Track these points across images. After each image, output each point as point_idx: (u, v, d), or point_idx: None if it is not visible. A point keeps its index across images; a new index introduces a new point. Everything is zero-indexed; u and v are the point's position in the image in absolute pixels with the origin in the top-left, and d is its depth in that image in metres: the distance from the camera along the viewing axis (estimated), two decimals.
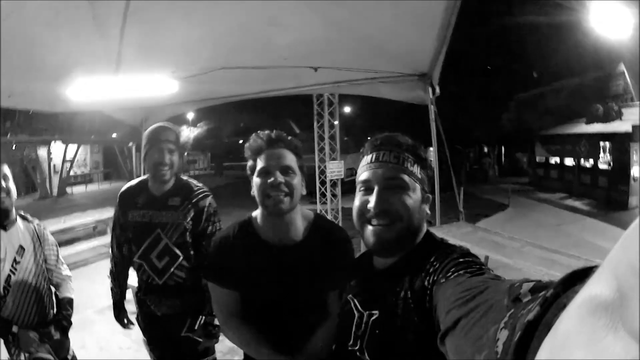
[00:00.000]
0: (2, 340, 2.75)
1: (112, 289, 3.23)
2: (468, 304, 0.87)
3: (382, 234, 1.40)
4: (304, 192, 2.05)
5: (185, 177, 3.10)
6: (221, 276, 2.08)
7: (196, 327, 2.99)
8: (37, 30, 3.61)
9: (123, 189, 3.13)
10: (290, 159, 1.98)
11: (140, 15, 3.50)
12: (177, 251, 2.94)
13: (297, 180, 1.99)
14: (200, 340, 2.99)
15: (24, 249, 2.87)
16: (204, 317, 2.96)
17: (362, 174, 1.46)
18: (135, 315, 3.27)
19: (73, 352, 3.17)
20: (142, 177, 3.11)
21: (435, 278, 1.21)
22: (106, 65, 3.99)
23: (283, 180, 1.92)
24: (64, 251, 7.92)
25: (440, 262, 1.25)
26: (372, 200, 1.40)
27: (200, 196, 2.98)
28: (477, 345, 0.70)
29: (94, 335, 5.42)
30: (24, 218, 3.02)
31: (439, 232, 6.86)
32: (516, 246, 6.68)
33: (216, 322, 2.81)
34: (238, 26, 3.90)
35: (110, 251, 3.25)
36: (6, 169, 2.83)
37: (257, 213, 2.11)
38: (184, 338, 3.00)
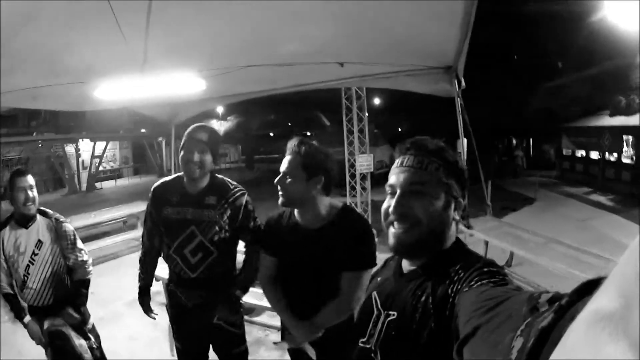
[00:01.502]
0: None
1: (139, 275, 3.35)
2: (488, 313, 0.88)
3: (401, 237, 1.42)
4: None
5: (221, 176, 3.17)
6: (267, 245, 2.79)
7: (226, 315, 3.11)
8: (61, 33, 3.67)
9: (157, 184, 3.24)
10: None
11: (164, 14, 3.52)
12: (212, 248, 3.01)
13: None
14: (229, 327, 3.16)
15: (42, 242, 3.44)
16: (232, 304, 3.13)
17: (390, 178, 1.49)
18: (165, 306, 3.40)
19: (93, 323, 3.65)
20: (177, 174, 3.20)
21: (459, 287, 1.23)
22: (132, 65, 4.03)
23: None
24: (94, 245, 8.18)
25: (465, 271, 1.27)
26: (392, 204, 1.43)
27: (236, 195, 3.06)
28: (494, 353, 0.73)
29: (122, 327, 5.53)
30: (43, 213, 3.54)
31: (462, 226, 6.87)
32: (540, 242, 6.64)
33: (242, 300, 3.24)
34: (263, 24, 3.92)
35: (141, 241, 3.40)
36: (31, 179, 3.25)
37: None
38: (215, 326, 3.10)
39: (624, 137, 16.97)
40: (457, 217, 1.47)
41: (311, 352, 2.56)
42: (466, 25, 3.85)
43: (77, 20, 3.48)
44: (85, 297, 3.54)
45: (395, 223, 1.44)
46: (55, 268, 3.47)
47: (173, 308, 3.30)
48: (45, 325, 3.30)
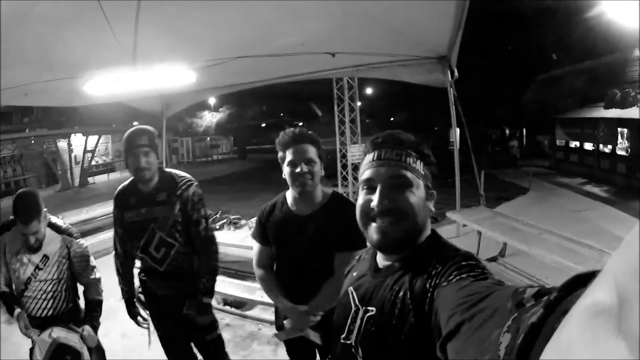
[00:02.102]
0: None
1: (122, 289, 3.39)
2: (471, 309, 0.87)
3: (388, 232, 1.39)
4: (322, 173, 2.65)
5: (168, 170, 3.28)
6: (261, 236, 2.84)
7: (194, 306, 3.17)
8: (51, 31, 3.65)
9: (117, 191, 3.32)
10: (312, 152, 2.59)
11: (155, 8, 3.52)
12: (171, 241, 3.16)
13: (318, 168, 2.62)
14: (196, 318, 3.21)
15: (47, 258, 3.22)
16: (200, 297, 3.17)
17: (365, 173, 1.46)
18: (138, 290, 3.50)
19: (98, 339, 3.40)
20: (132, 178, 3.25)
21: (437, 281, 1.21)
22: (123, 58, 4.00)
23: (307, 170, 2.55)
24: (87, 240, 8.10)
25: (443, 265, 1.25)
26: (376, 198, 1.40)
27: (183, 187, 3.17)
28: (480, 349, 0.71)
29: (117, 322, 5.48)
30: (54, 227, 3.28)
31: (458, 216, 6.89)
32: (534, 233, 6.63)
33: (211, 302, 3.28)
34: (253, 14, 3.89)
35: (114, 253, 3.42)
36: (36, 225, 3.11)
37: (289, 191, 2.76)
38: (185, 316, 3.19)
39: (619, 129, 17.03)
40: (432, 209, 1.46)
41: (315, 337, 2.60)
42: (460, 15, 3.85)
43: (67, 15, 3.47)
44: (98, 318, 3.41)
45: (378, 218, 1.40)
46: (58, 284, 3.27)
47: (146, 296, 3.42)
48: (55, 334, 3.14)
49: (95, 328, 3.32)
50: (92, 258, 3.43)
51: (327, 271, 2.61)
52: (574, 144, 20.90)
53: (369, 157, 1.47)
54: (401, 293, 1.33)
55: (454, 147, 6.64)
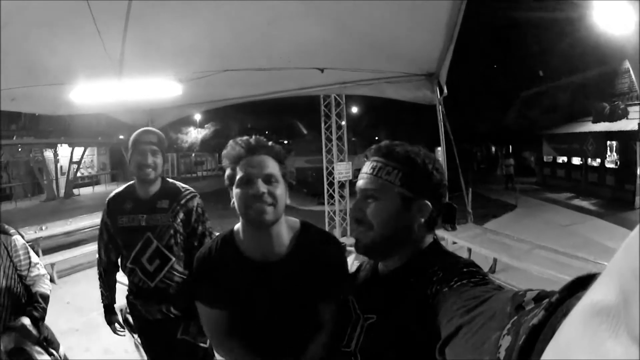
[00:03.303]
0: None
1: (102, 294, 3.25)
2: (470, 312, 0.87)
3: (359, 238, 1.47)
4: (288, 202, 1.86)
5: (171, 180, 3.16)
6: (206, 295, 1.93)
7: (190, 329, 3.02)
8: (39, 35, 3.62)
9: (111, 195, 3.14)
10: (273, 167, 1.80)
11: (142, 18, 3.49)
12: (168, 254, 2.97)
13: (281, 190, 1.80)
14: (195, 341, 3.05)
15: None
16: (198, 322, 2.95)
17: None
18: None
19: (64, 354, 3.17)
20: (129, 183, 3.15)
21: (438, 287, 1.21)
22: (109, 68, 3.99)
23: (266, 190, 1.74)
24: (70, 253, 8.03)
25: (444, 272, 1.25)
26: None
27: (188, 197, 3.04)
28: (479, 352, 0.71)
29: (99, 338, 5.40)
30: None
31: (446, 233, 6.87)
32: (525, 248, 6.67)
33: None
34: (241, 28, 3.88)
35: (97, 258, 3.24)
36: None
37: (238, 226, 1.93)
38: (180, 341, 3.03)
39: (608, 142, 17.27)
40: (422, 221, 1.42)
41: None
42: (451, 33, 3.84)
43: (55, 19, 3.42)
44: (43, 310, 2.99)
45: (354, 224, 1.50)
46: (9, 289, 2.89)
47: (136, 320, 3.23)
48: (3, 344, 2.90)
49: (36, 320, 2.90)
50: (34, 255, 3.09)
51: (309, 326, 1.91)
52: (562, 159, 21.21)
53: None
54: (402, 300, 1.34)
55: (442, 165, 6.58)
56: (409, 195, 1.41)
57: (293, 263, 1.85)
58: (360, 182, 1.48)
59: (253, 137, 1.85)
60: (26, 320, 2.85)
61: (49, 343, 3.03)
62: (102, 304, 3.26)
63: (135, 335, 3.35)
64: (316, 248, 1.90)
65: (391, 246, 1.44)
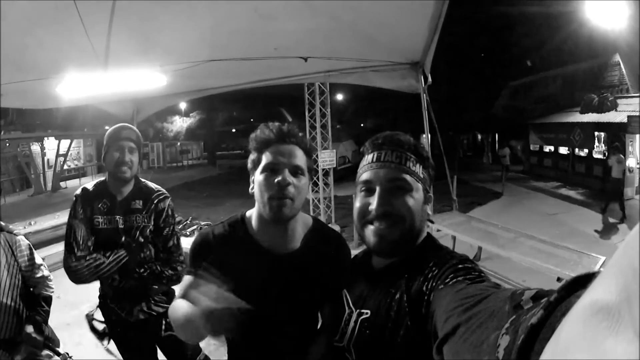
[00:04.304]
0: None
1: (109, 263, 2.89)
2: (468, 311, 0.87)
3: (385, 235, 1.37)
4: (309, 196, 1.71)
5: (144, 180, 3.08)
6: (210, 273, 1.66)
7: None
8: (24, 30, 3.59)
9: (79, 192, 2.95)
10: (301, 158, 1.72)
11: (128, 10, 3.47)
12: (144, 253, 2.92)
13: (305, 183, 1.74)
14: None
15: None
16: None
17: (364, 174, 1.43)
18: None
19: (67, 354, 3.10)
20: (99, 180, 3.03)
21: (433, 284, 1.20)
22: (95, 60, 3.97)
23: (291, 181, 1.66)
24: (59, 247, 7.97)
25: (439, 268, 1.23)
26: (374, 202, 1.38)
27: (160, 198, 2.99)
28: (477, 352, 0.71)
29: (90, 331, 5.40)
30: None
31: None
32: (510, 237, 6.71)
33: None
34: (225, 17, 3.87)
35: (67, 264, 2.82)
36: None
37: (251, 213, 1.83)
38: (165, 338, 2.98)
39: (596, 133, 17.35)
40: (429, 212, 1.45)
41: None
42: (435, 22, 3.86)
43: (40, 16, 3.41)
44: (46, 314, 2.96)
45: (376, 221, 1.38)
46: (17, 292, 2.80)
47: (113, 324, 3.08)
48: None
49: (39, 324, 2.86)
50: (37, 256, 3.04)
51: (313, 326, 1.84)
52: (548, 148, 21.21)
53: (368, 158, 1.45)
54: (397, 296, 1.31)
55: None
56: (426, 187, 1.43)
57: (304, 256, 1.78)
58: (383, 172, 1.38)
59: (285, 124, 1.79)
60: (29, 329, 2.81)
61: (50, 342, 3.02)
62: (121, 262, 2.87)
63: (105, 342, 3.22)
64: (325, 245, 1.86)
65: (414, 240, 1.41)
